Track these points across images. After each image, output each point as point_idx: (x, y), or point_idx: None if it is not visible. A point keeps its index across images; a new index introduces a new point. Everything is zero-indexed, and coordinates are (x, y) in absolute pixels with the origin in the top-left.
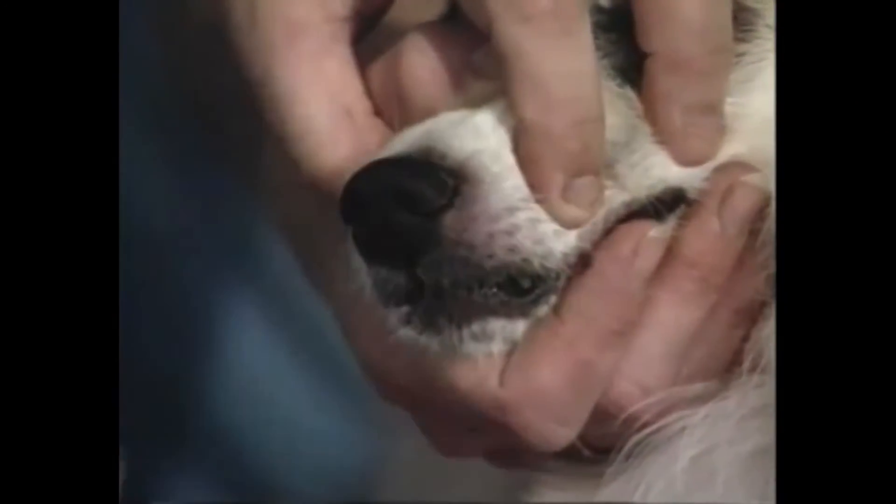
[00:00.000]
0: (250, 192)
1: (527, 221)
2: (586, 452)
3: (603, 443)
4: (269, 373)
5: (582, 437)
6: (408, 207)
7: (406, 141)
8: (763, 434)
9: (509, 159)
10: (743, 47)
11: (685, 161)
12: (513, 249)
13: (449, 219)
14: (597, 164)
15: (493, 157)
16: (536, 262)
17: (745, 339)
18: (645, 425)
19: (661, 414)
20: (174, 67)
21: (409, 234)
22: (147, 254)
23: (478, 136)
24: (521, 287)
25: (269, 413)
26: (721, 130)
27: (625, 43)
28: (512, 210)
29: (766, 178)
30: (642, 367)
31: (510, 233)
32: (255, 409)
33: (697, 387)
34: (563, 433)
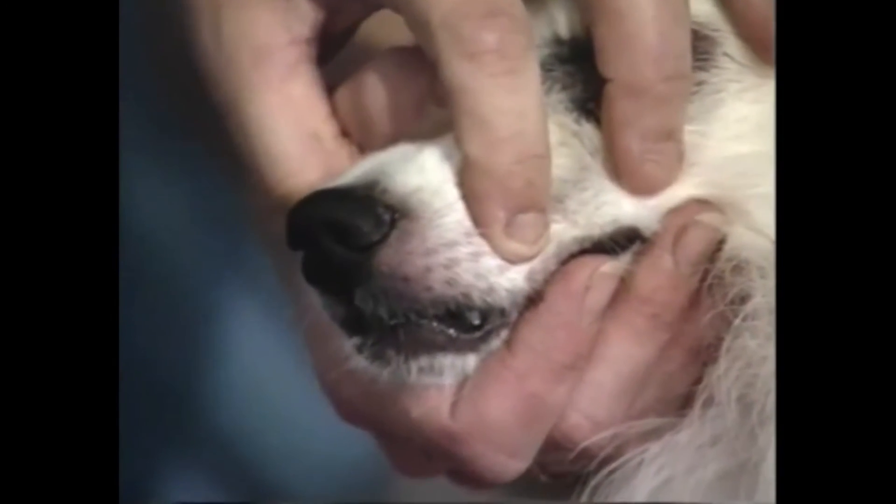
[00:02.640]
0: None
1: (468, 256)
2: (543, 478)
3: (561, 469)
4: (268, 373)
5: (540, 463)
6: (341, 241)
7: (356, 172)
8: (725, 458)
9: (452, 195)
10: (702, 76)
11: (642, 189)
12: (450, 282)
13: (383, 254)
14: (541, 201)
15: (434, 192)
16: (477, 296)
17: (697, 381)
18: (604, 462)
19: (618, 450)
20: (170, 67)
21: (343, 265)
22: (147, 255)
23: (422, 172)
24: (469, 323)
25: (270, 413)
26: (679, 157)
27: (583, 74)
28: (451, 245)
29: (721, 218)
30: (593, 401)
31: (448, 266)
32: (255, 409)
33: (651, 422)
34: (512, 465)
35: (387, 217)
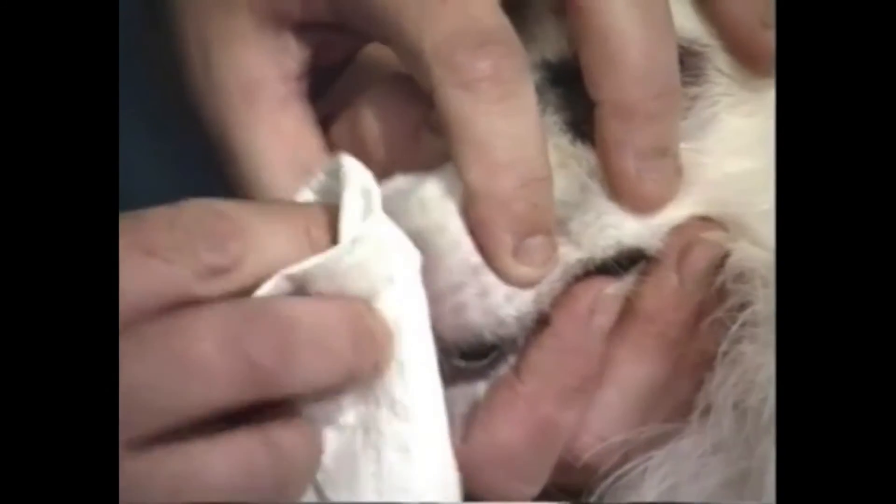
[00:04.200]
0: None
1: (474, 297)
2: (554, 492)
3: (574, 487)
4: None
5: (552, 483)
6: None
7: None
8: (728, 466)
9: (457, 230)
10: (694, 91)
11: (642, 207)
12: (460, 327)
13: None
14: (547, 224)
15: (438, 230)
16: (487, 333)
17: (697, 389)
18: (608, 473)
19: (622, 460)
20: (169, 68)
21: None
22: None
23: (424, 210)
24: (476, 353)
25: None
26: (677, 172)
27: (575, 96)
28: (458, 287)
29: (725, 235)
30: (604, 422)
31: (457, 311)
32: None
33: (655, 428)
34: (525, 490)
35: None
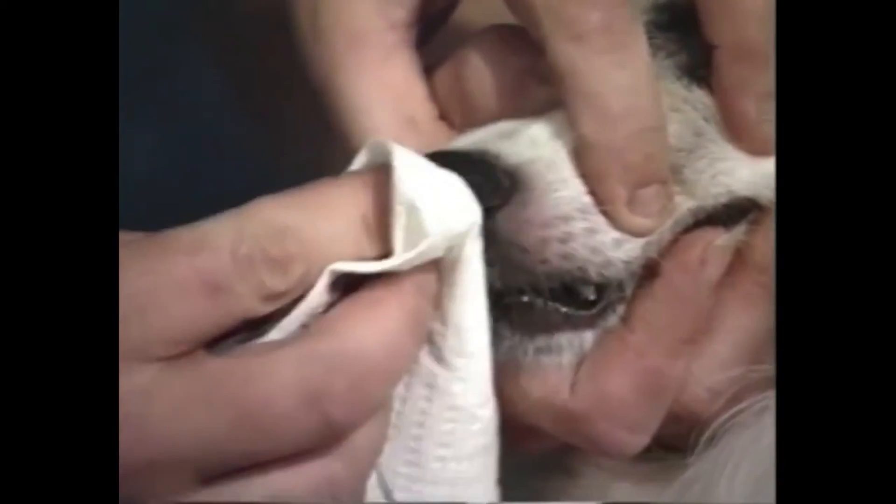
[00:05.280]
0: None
1: (582, 231)
2: (658, 452)
3: (676, 442)
4: None
5: (656, 436)
6: None
7: (461, 143)
8: None
9: (566, 171)
10: None
11: (763, 151)
12: (567, 257)
13: (503, 217)
14: (662, 173)
15: (548, 166)
16: (593, 271)
17: None
18: (720, 413)
19: (731, 402)
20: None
21: None
22: None
23: (534, 145)
24: (585, 299)
25: None
26: None
27: (687, 39)
28: (566, 219)
29: None
30: (713, 373)
31: (564, 240)
32: None
33: (763, 370)
34: (635, 441)
35: (506, 182)
